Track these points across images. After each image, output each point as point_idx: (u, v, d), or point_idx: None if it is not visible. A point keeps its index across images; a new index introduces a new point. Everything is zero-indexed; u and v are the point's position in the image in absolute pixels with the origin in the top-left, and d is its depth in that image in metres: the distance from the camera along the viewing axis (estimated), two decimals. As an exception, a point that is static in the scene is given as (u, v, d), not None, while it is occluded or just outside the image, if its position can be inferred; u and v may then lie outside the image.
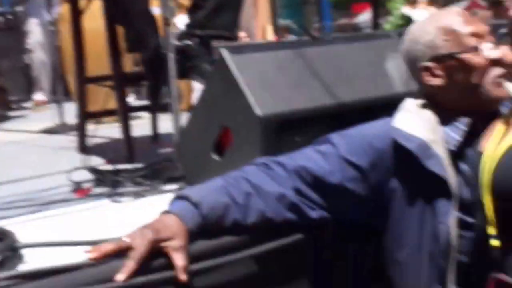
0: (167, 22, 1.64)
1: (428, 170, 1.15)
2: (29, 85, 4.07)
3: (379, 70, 1.45)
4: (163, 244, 1.03)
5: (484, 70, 1.15)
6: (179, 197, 1.12)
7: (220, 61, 1.35)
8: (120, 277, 0.94)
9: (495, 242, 1.11)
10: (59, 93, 3.06)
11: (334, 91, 1.37)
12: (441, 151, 1.17)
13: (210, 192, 1.16)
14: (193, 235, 1.07)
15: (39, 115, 3.30)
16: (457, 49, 1.16)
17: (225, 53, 1.33)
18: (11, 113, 3.43)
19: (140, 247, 0.99)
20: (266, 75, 1.37)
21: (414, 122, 1.21)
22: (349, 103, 1.36)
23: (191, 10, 1.89)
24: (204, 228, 1.10)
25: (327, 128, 1.37)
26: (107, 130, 2.32)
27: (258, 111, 1.35)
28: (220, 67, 1.36)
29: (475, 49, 1.17)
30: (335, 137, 1.24)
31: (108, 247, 0.99)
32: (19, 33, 4.13)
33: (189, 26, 1.89)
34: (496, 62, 1.15)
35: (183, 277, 1.00)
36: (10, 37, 4.02)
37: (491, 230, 1.10)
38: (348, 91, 1.36)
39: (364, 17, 5.38)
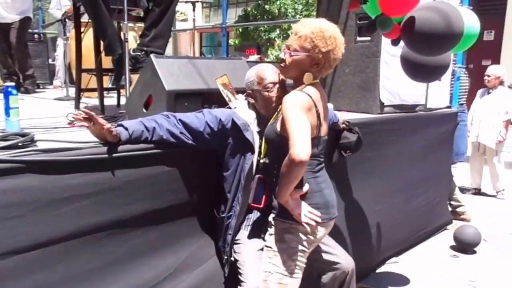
0: (125, 41, 2.43)
1: (245, 137, 1.94)
2: (50, 76, 6.37)
3: (230, 74, 2.25)
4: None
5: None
6: (119, 125, 1.80)
7: (149, 61, 2.09)
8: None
9: (261, 162, 1.96)
10: (67, 81, 4.77)
11: (206, 81, 2.11)
12: (253, 127, 1.98)
13: (135, 123, 1.83)
14: (124, 142, 1.74)
15: (56, 92, 5.00)
16: (261, 88, 1.99)
17: (153, 57, 2.13)
18: (38, 90, 5.18)
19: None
20: (172, 70, 2.17)
21: (243, 110, 2.01)
22: (213, 88, 2.11)
23: (141, 36, 2.77)
24: (130, 140, 1.77)
25: (201, 100, 2.13)
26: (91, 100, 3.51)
27: (166, 87, 2.14)
28: (149, 64, 2.15)
29: (267, 89, 1.97)
30: (205, 111, 1.99)
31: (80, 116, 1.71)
32: (45, 44, 6.62)
33: (139, 44, 2.86)
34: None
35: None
36: (40, 46, 6.48)
37: (262, 156, 1.95)
38: (213, 83, 2.11)
39: (253, 57, 9.04)
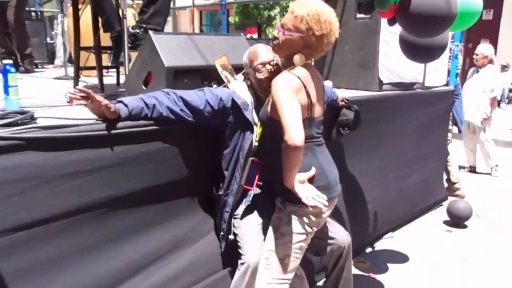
0: (124, 17, 2.35)
1: (245, 116, 1.92)
2: (48, 55, 6.18)
3: (229, 50, 2.20)
4: None
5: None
6: (119, 101, 1.78)
7: (148, 38, 2.06)
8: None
9: (256, 145, 1.95)
10: (66, 60, 4.78)
11: (206, 58, 2.08)
12: (252, 106, 1.97)
13: (134, 100, 1.80)
14: (124, 119, 1.72)
15: (56, 72, 4.86)
16: (251, 70, 1.98)
17: (151, 34, 2.08)
18: (37, 70, 5.05)
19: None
20: (171, 46, 2.11)
21: (243, 90, 2.00)
22: (212, 65, 2.08)
23: (140, 13, 2.72)
24: (130, 116, 1.75)
25: (200, 76, 2.10)
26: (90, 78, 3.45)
27: (165, 64, 2.13)
28: (148, 41, 2.09)
29: (257, 70, 1.95)
30: (206, 89, 1.97)
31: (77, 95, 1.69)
32: (43, 23, 6.37)
33: (138, 21, 2.76)
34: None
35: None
36: (38, 25, 6.18)
37: (256, 139, 1.94)
38: (212, 59, 2.09)
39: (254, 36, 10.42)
